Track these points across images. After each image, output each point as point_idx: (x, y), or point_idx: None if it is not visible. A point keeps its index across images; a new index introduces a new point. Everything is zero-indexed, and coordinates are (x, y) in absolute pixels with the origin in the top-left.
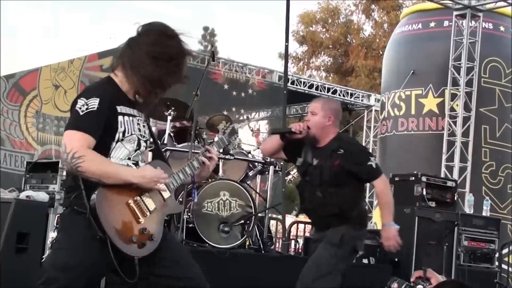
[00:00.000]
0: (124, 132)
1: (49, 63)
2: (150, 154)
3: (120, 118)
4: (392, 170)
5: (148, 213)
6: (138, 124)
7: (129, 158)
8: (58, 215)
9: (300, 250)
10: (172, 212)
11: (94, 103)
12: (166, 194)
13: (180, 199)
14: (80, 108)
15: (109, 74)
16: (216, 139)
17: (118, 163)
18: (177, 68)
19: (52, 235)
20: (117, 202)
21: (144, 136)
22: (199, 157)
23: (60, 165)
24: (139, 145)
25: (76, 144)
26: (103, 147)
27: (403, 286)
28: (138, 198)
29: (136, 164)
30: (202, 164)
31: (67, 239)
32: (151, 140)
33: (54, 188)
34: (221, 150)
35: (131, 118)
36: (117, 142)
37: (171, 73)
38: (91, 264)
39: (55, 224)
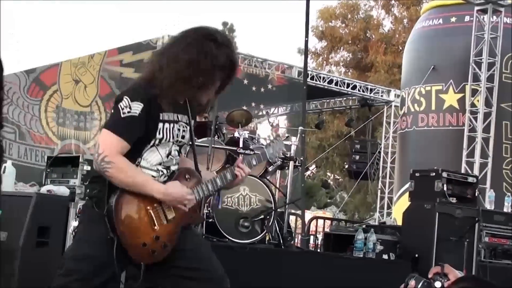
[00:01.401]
0: (161, 139)
1: (69, 57)
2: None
3: (160, 125)
4: (412, 166)
5: (164, 221)
6: (178, 129)
7: (160, 164)
8: (81, 204)
9: (319, 246)
10: (192, 222)
11: (137, 108)
12: (189, 204)
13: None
14: (123, 110)
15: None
16: (259, 151)
17: (148, 168)
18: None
19: (73, 223)
20: (136, 207)
21: (181, 142)
22: (234, 168)
23: (80, 160)
24: (173, 150)
25: (109, 148)
26: (137, 149)
27: (420, 283)
28: (158, 205)
29: (167, 168)
30: (235, 176)
31: (88, 231)
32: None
33: (74, 183)
34: (254, 163)
35: (172, 124)
36: (151, 146)
37: (207, 75)
38: (109, 259)
39: (76, 213)
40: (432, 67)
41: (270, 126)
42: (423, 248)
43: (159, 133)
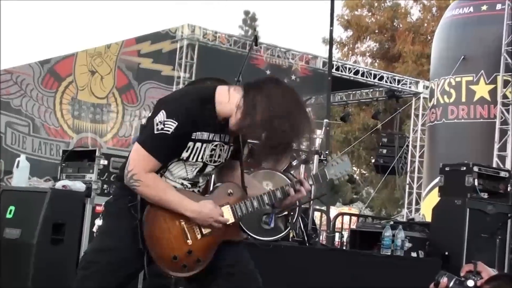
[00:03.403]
0: (188, 158)
1: (85, 47)
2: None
3: (190, 144)
4: (441, 160)
5: (199, 236)
6: (213, 149)
7: (184, 179)
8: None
9: (345, 243)
10: (230, 239)
11: (170, 126)
12: (229, 219)
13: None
14: (157, 125)
15: (218, 88)
16: (315, 171)
17: (171, 179)
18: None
19: (98, 222)
20: (169, 219)
21: (216, 161)
22: (286, 187)
23: (97, 154)
24: (203, 169)
25: (138, 165)
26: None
27: (452, 281)
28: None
29: (194, 184)
30: (287, 195)
31: (109, 225)
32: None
33: (91, 178)
34: (314, 183)
35: (205, 144)
36: (179, 160)
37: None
38: (131, 254)
39: (101, 215)
40: (462, 57)
41: None
42: (453, 246)
43: (186, 151)
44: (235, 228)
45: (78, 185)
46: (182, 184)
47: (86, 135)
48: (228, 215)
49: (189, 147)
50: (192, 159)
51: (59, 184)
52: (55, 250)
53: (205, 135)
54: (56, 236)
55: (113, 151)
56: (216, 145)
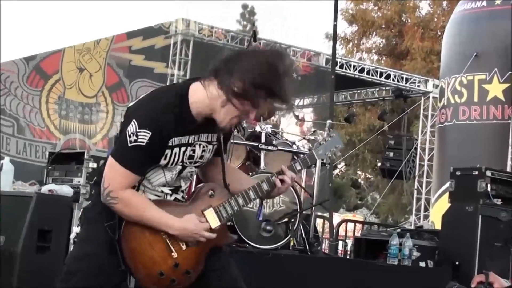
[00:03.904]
0: (167, 164)
1: (73, 43)
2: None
3: (167, 151)
4: (452, 164)
5: (184, 246)
6: (192, 151)
7: (164, 185)
8: (82, 209)
9: (349, 252)
10: (220, 244)
11: (144, 137)
12: (215, 223)
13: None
14: (130, 137)
15: (191, 86)
16: (303, 154)
17: (150, 189)
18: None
19: (75, 230)
20: (148, 233)
21: (197, 162)
22: (272, 177)
23: (85, 156)
24: (182, 171)
25: (114, 182)
26: None
27: None
28: None
29: (175, 190)
30: (273, 186)
31: (90, 231)
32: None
33: (79, 182)
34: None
35: (183, 148)
36: (157, 167)
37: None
38: (109, 259)
39: (78, 219)
40: (475, 54)
41: (296, 119)
42: (464, 255)
43: (164, 159)
44: (223, 231)
45: (65, 190)
46: (161, 191)
47: (74, 136)
48: (212, 220)
49: (167, 154)
50: (172, 164)
51: (45, 189)
52: (41, 258)
53: (183, 139)
54: (42, 243)
55: (102, 154)
56: (195, 146)
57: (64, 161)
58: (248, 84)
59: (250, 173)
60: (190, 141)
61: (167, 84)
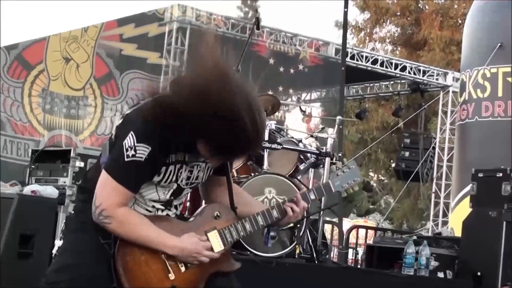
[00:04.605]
0: (160, 181)
1: (59, 31)
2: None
3: (163, 168)
4: (474, 165)
5: (183, 268)
6: (189, 171)
7: (156, 201)
8: (64, 220)
9: (360, 261)
10: (222, 270)
11: (143, 152)
12: (218, 247)
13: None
14: (127, 151)
15: None
16: (317, 185)
17: (141, 203)
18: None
19: (57, 243)
20: (145, 251)
21: (193, 183)
22: (283, 205)
23: (71, 154)
24: (179, 193)
25: (108, 199)
26: None
27: None
28: None
29: (167, 205)
30: (284, 214)
31: (72, 241)
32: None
33: (64, 182)
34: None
35: (179, 165)
36: (150, 183)
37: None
38: (96, 271)
39: (60, 231)
40: (499, 44)
41: (302, 115)
42: (487, 265)
43: (158, 175)
44: (226, 256)
45: (49, 191)
46: (152, 206)
47: (60, 133)
48: (216, 243)
49: (163, 171)
50: (165, 182)
51: (27, 189)
52: (23, 265)
53: (179, 156)
54: (24, 249)
55: (90, 152)
56: (193, 166)
57: (48, 160)
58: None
59: (252, 174)
60: (186, 159)
61: (162, 76)
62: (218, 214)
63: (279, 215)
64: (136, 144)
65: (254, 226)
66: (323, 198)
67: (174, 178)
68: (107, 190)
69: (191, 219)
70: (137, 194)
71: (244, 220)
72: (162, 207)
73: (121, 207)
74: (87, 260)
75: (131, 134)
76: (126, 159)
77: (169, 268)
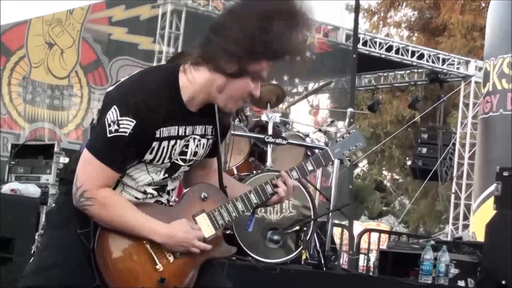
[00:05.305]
0: (152, 160)
1: (41, 13)
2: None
3: (154, 144)
4: (498, 163)
5: (171, 258)
6: (185, 146)
7: (150, 184)
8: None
9: (373, 268)
10: (216, 256)
11: (127, 126)
12: (209, 232)
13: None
14: (109, 126)
15: (180, 67)
16: (317, 152)
17: (133, 187)
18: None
19: (37, 239)
20: (129, 241)
21: (190, 160)
22: (276, 180)
23: (55, 149)
24: (174, 170)
25: (89, 180)
26: None
27: None
28: None
29: (160, 189)
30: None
31: (54, 236)
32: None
33: (47, 180)
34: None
35: (172, 141)
36: (139, 163)
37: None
38: (81, 268)
39: (41, 227)
40: None
41: (310, 107)
42: None
43: (150, 153)
44: (219, 240)
45: (31, 189)
46: (144, 191)
47: (42, 125)
48: (205, 228)
49: (154, 147)
50: (158, 160)
51: (6, 188)
52: (2, 271)
53: (172, 130)
54: (3, 254)
55: (75, 146)
56: (189, 140)
57: (29, 155)
58: (241, 58)
59: (254, 172)
60: (180, 133)
61: (155, 63)
62: (206, 196)
63: (273, 191)
64: (119, 118)
65: (247, 205)
66: (331, 199)
67: (168, 155)
68: (88, 170)
69: (175, 203)
70: (128, 178)
71: (235, 199)
72: (155, 192)
73: (104, 187)
74: (72, 256)
75: (114, 108)
76: (108, 135)
77: (156, 259)
